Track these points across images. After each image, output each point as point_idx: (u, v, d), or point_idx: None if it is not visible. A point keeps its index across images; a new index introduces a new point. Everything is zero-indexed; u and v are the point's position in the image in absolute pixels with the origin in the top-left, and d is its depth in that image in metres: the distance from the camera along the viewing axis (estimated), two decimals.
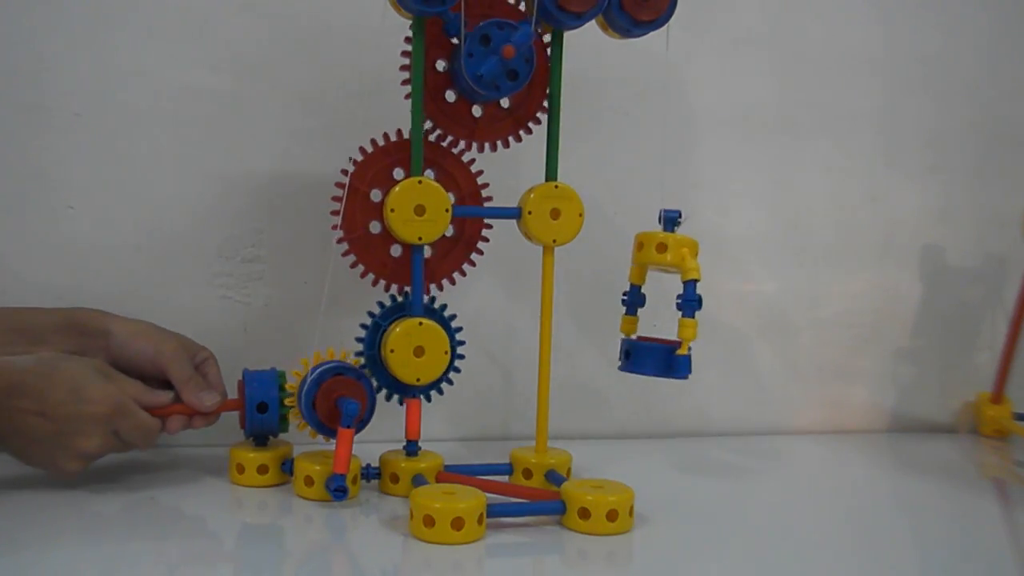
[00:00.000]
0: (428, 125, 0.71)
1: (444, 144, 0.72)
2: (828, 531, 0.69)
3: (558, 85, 0.71)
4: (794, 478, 0.84)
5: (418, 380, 0.70)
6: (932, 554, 0.66)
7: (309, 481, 0.68)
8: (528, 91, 0.71)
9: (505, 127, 0.71)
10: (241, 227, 0.83)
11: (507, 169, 0.75)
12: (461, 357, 0.74)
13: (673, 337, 0.68)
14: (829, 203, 0.97)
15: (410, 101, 0.69)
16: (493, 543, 0.61)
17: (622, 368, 0.70)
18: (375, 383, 0.71)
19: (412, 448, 0.71)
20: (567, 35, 0.70)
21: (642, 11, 0.67)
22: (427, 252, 0.73)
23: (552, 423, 0.74)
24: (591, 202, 0.72)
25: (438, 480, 0.70)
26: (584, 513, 0.63)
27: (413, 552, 0.59)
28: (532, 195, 0.70)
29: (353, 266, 0.71)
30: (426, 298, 0.72)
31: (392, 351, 0.69)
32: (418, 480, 0.68)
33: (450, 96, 0.71)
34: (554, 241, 0.71)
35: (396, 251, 0.72)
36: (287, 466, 0.71)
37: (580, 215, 0.71)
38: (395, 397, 0.73)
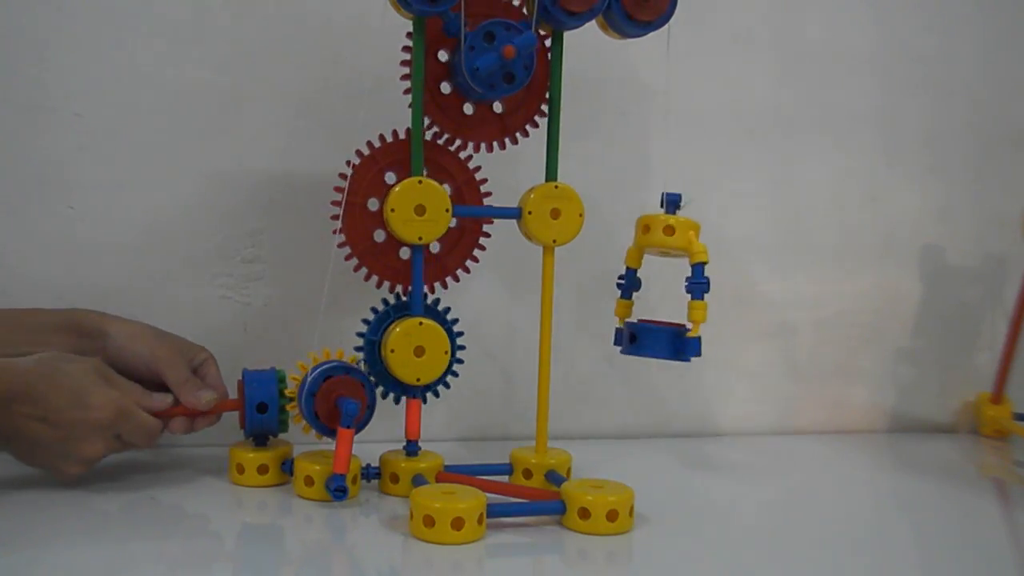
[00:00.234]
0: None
1: (436, 140, 0.71)
2: (828, 531, 0.69)
3: (558, 85, 0.71)
4: (794, 478, 0.84)
5: (418, 380, 0.70)
6: (932, 554, 0.66)
7: (309, 481, 0.68)
8: (523, 101, 0.71)
9: (493, 131, 0.71)
10: (241, 227, 0.83)
11: (507, 169, 0.75)
12: (461, 357, 0.74)
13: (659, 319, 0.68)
14: (829, 203, 0.97)
15: (410, 101, 0.69)
16: (493, 543, 0.61)
17: (626, 352, 0.69)
18: (373, 380, 0.71)
19: (412, 448, 0.71)
20: (567, 35, 0.70)
21: (642, 11, 0.67)
22: (435, 247, 0.73)
23: (552, 423, 0.74)
24: (591, 202, 0.72)
25: (438, 480, 0.70)
26: (584, 513, 0.63)
27: (413, 552, 0.59)
28: (532, 195, 0.70)
29: (367, 278, 0.71)
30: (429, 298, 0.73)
31: (392, 351, 0.69)
32: (418, 480, 0.68)
33: (445, 88, 0.70)
34: (554, 241, 0.71)
35: (405, 254, 0.71)
36: (287, 466, 0.71)
37: (580, 215, 0.71)
38: (387, 394, 0.73)
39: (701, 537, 0.65)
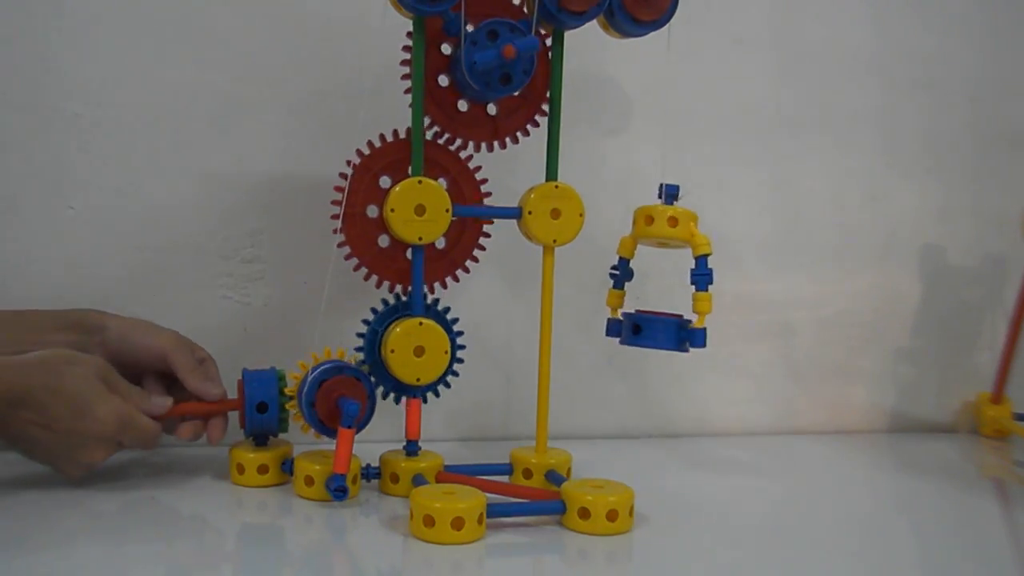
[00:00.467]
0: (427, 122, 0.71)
1: (433, 137, 0.72)
2: (828, 531, 0.69)
3: (558, 85, 0.71)
4: (794, 478, 0.84)
5: (418, 380, 0.70)
6: (932, 554, 0.66)
7: (309, 481, 0.68)
8: (517, 107, 0.71)
9: (483, 132, 0.71)
10: (241, 227, 0.83)
11: (507, 169, 0.75)
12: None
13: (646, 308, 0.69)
14: (829, 203, 0.97)
15: (410, 100, 0.69)
16: (493, 543, 0.61)
17: (628, 342, 0.69)
18: (374, 380, 0.71)
19: (412, 448, 0.71)
20: (567, 35, 0.70)
21: (643, 11, 0.67)
22: (440, 243, 0.73)
23: (552, 423, 0.74)
24: (591, 202, 0.72)
25: (438, 480, 0.70)
26: (584, 513, 0.63)
27: (413, 552, 0.59)
28: (532, 195, 0.70)
29: (378, 285, 0.71)
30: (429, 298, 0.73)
31: (392, 351, 0.69)
32: (418, 480, 0.68)
33: (443, 80, 0.70)
34: (554, 241, 0.71)
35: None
36: (287, 466, 0.71)
37: (580, 215, 0.71)
38: (387, 394, 0.73)
39: (701, 537, 0.65)
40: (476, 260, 0.74)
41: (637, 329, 0.68)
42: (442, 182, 0.70)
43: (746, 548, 0.64)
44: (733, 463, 0.86)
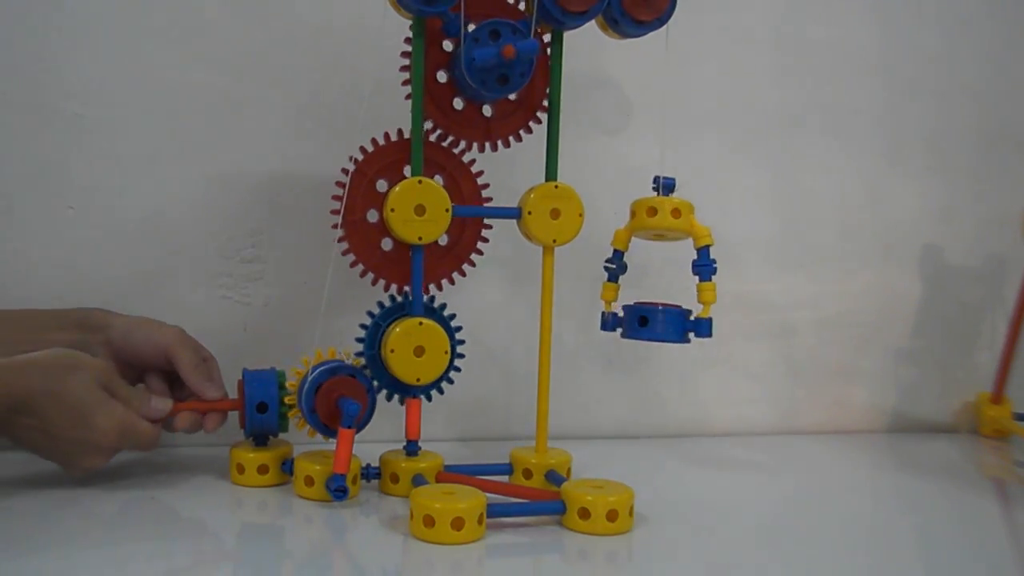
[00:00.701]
0: (428, 125, 0.71)
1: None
2: (829, 531, 0.69)
3: (558, 85, 0.71)
4: (794, 478, 0.84)
5: (418, 380, 0.70)
6: (933, 554, 0.66)
7: (309, 481, 0.68)
8: (513, 111, 0.71)
9: (476, 132, 0.71)
10: (241, 227, 0.83)
11: (507, 169, 0.75)
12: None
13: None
14: (830, 203, 0.97)
15: (410, 101, 0.69)
16: (493, 543, 0.61)
17: (634, 336, 0.69)
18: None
19: (412, 448, 0.71)
20: (567, 35, 0.70)
21: (642, 11, 0.67)
22: (444, 240, 0.73)
23: (552, 423, 0.74)
24: (591, 202, 0.72)
25: (438, 480, 0.70)
26: (584, 513, 0.63)
27: (413, 552, 0.59)
28: (532, 195, 0.70)
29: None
30: (425, 298, 0.72)
31: (392, 351, 0.69)
32: (418, 480, 0.68)
33: (441, 76, 0.70)
34: (554, 241, 0.71)
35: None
36: (287, 466, 0.71)
37: (580, 215, 0.71)
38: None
39: (701, 537, 0.65)
40: (473, 264, 0.74)
41: (644, 321, 0.68)
42: (438, 179, 0.70)
43: (746, 548, 0.64)
44: (733, 463, 0.86)
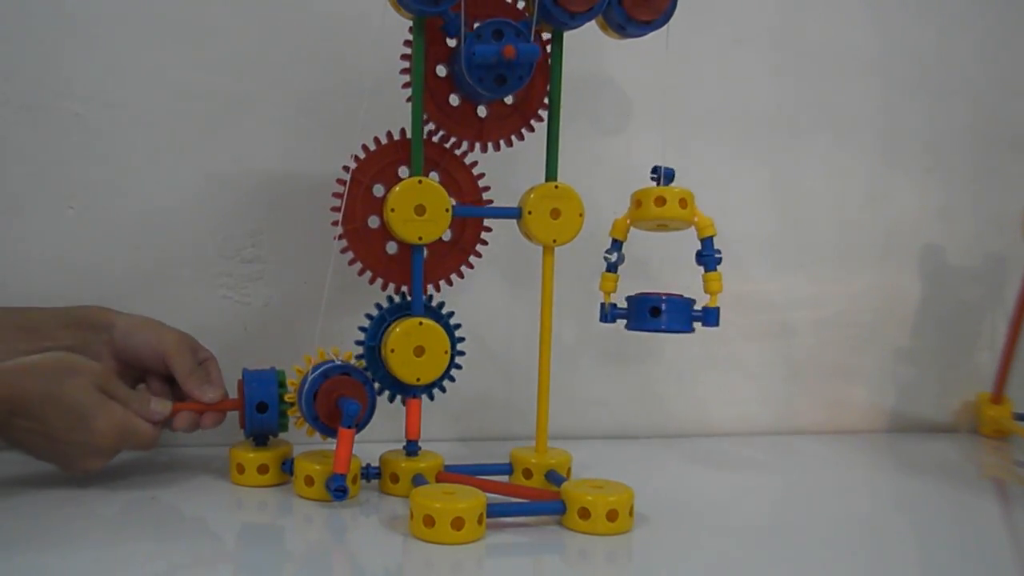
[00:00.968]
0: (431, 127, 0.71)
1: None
2: (828, 531, 0.69)
3: (558, 85, 0.71)
4: (794, 478, 0.84)
5: (418, 380, 0.70)
6: (932, 554, 0.66)
7: (309, 481, 0.68)
8: (507, 115, 0.71)
9: (468, 131, 0.71)
10: (241, 227, 0.83)
11: (507, 169, 0.75)
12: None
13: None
14: (829, 203, 0.97)
15: (410, 101, 0.69)
16: (493, 543, 0.61)
17: (643, 327, 0.68)
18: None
19: (412, 448, 0.71)
20: (567, 35, 0.70)
21: (642, 11, 0.67)
22: (447, 235, 0.73)
23: (552, 423, 0.74)
24: (591, 202, 0.72)
25: (438, 480, 0.70)
26: (584, 513, 0.63)
27: (413, 552, 0.59)
28: (532, 195, 0.70)
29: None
30: (425, 298, 0.73)
31: (392, 351, 0.69)
32: (418, 480, 0.68)
33: (440, 71, 0.70)
34: (554, 241, 0.71)
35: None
36: (287, 466, 0.71)
37: (580, 215, 0.71)
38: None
39: (701, 537, 0.65)
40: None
41: (656, 312, 0.68)
42: (433, 175, 0.70)
43: (746, 548, 0.64)
44: (733, 463, 0.86)
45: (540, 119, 0.72)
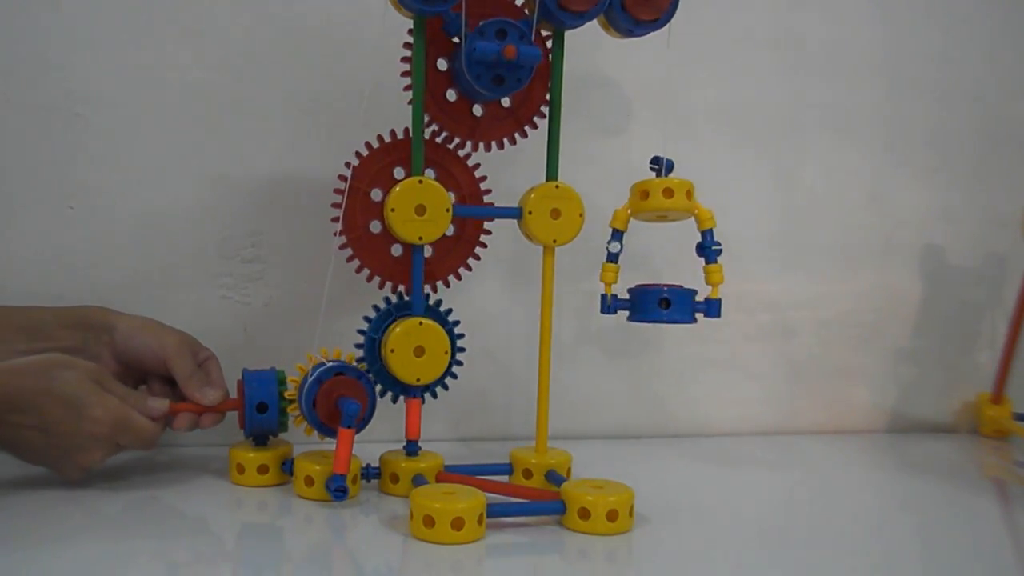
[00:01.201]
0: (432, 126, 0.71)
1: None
2: (828, 531, 0.69)
3: (558, 85, 0.71)
4: (795, 478, 0.84)
5: (418, 380, 0.70)
6: (932, 554, 0.66)
7: (309, 481, 0.68)
8: (502, 119, 0.71)
9: (462, 129, 0.71)
10: (241, 227, 0.83)
11: (507, 169, 0.75)
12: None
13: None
14: (830, 203, 0.97)
15: (410, 101, 0.69)
16: (493, 543, 0.61)
17: (650, 318, 0.68)
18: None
19: (412, 448, 0.71)
20: (567, 35, 0.70)
21: (643, 11, 0.67)
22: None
23: (552, 423, 0.74)
24: (591, 202, 0.72)
25: (438, 480, 0.70)
26: (584, 513, 0.63)
27: (413, 552, 0.59)
28: (532, 195, 0.70)
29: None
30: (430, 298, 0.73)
31: (392, 351, 0.69)
32: (418, 480, 0.68)
33: (441, 64, 0.70)
34: (554, 241, 0.71)
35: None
36: (287, 466, 0.71)
37: (580, 215, 0.71)
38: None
39: (701, 537, 0.65)
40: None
41: (666, 303, 0.68)
42: (429, 172, 0.70)
43: (746, 548, 0.64)
44: (733, 463, 0.86)
45: (535, 126, 0.72)
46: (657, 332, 0.92)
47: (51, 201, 0.79)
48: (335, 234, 0.70)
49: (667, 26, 0.68)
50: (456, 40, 0.69)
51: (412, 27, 0.68)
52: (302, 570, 0.57)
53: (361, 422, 0.68)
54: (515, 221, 0.72)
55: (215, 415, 0.72)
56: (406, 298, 0.72)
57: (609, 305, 0.70)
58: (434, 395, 0.74)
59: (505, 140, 0.72)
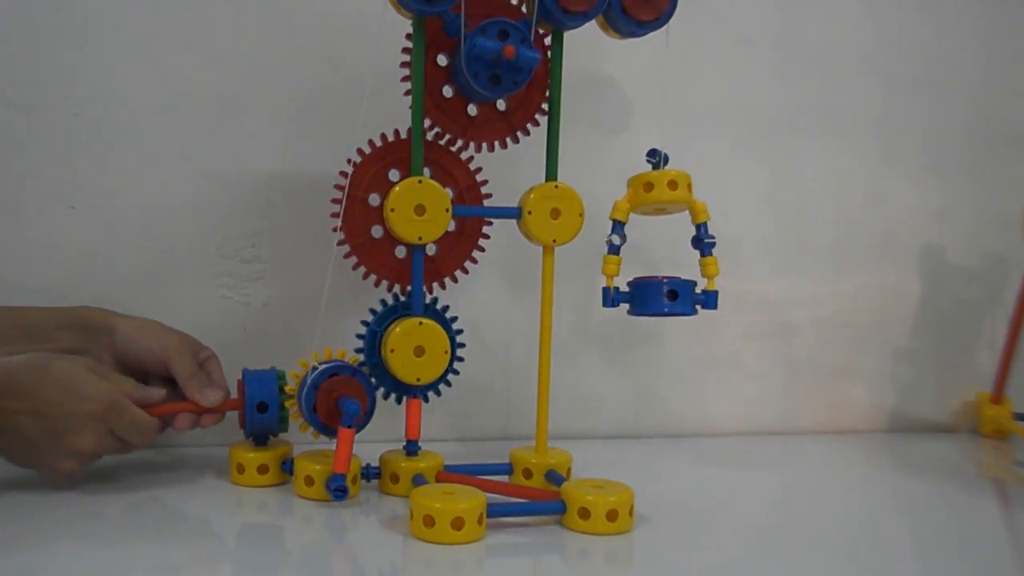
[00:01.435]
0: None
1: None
2: (828, 531, 0.69)
3: (558, 85, 0.71)
4: (794, 478, 0.84)
5: (418, 380, 0.70)
6: (932, 554, 0.66)
7: (309, 481, 0.68)
8: (496, 121, 0.71)
9: (456, 127, 0.71)
10: (241, 227, 0.83)
11: (507, 169, 0.75)
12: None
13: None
14: (829, 203, 0.97)
15: (410, 101, 0.69)
16: (493, 543, 0.61)
17: (653, 311, 0.68)
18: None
19: (412, 448, 0.71)
20: (567, 35, 0.70)
21: (642, 11, 0.67)
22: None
23: (552, 423, 0.74)
24: (591, 202, 0.72)
25: (438, 480, 0.70)
26: (584, 513, 0.63)
27: (413, 552, 0.59)
28: (532, 195, 0.70)
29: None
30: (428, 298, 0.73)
31: (392, 351, 0.69)
32: (418, 480, 0.68)
33: (441, 60, 0.70)
34: (554, 241, 0.71)
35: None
36: (287, 466, 0.71)
37: (580, 215, 0.71)
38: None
39: (701, 537, 0.65)
40: (475, 261, 0.74)
41: (674, 295, 0.68)
42: (425, 171, 0.70)
43: (746, 548, 0.64)
44: (733, 463, 0.86)
45: (527, 133, 0.72)
46: (657, 332, 0.92)
47: (51, 201, 0.79)
48: (337, 244, 0.70)
49: (666, 26, 0.68)
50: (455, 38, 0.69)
51: (412, 27, 0.68)
52: (302, 570, 0.57)
53: (361, 422, 0.68)
54: (515, 221, 0.72)
55: (215, 414, 0.72)
56: (394, 301, 0.72)
57: (612, 298, 0.69)
58: (437, 394, 0.74)
59: (496, 143, 0.72)
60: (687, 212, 0.70)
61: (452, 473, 0.71)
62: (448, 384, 0.74)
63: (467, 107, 0.71)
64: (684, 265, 0.72)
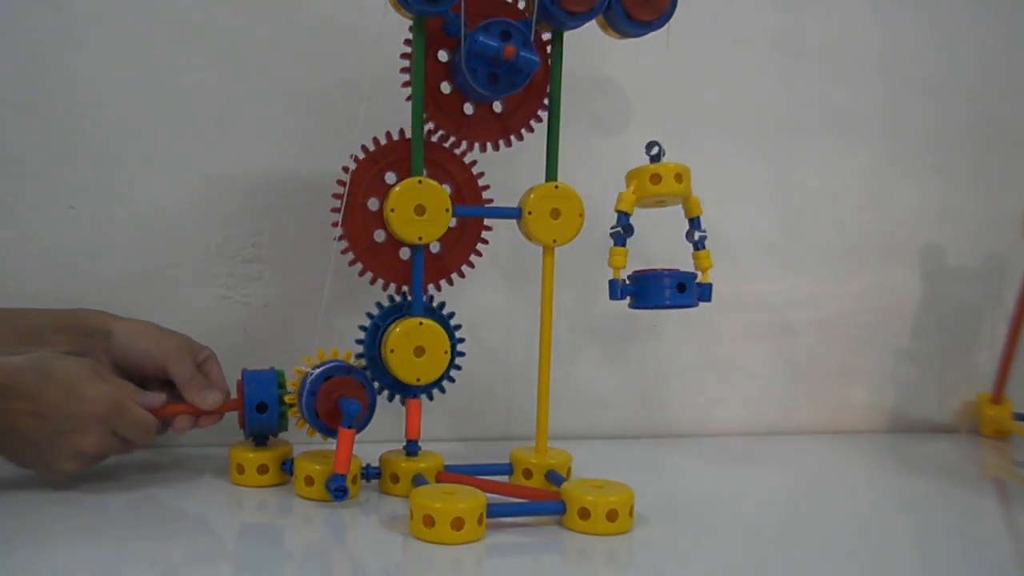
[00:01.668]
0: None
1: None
2: (828, 531, 0.69)
3: (558, 85, 0.71)
4: (794, 478, 0.84)
5: (418, 380, 0.70)
6: (932, 554, 0.66)
7: (309, 481, 0.68)
8: (491, 123, 0.71)
9: (451, 125, 0.71)
10: (240, 227, 0.83)
11: (507, 169, 0.75)
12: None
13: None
14: (829, 203, 0.97)
15: (410, 101, 0.69)
16: (493, 543, 0.61)
17: (657, 304, 0.68)
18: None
19: (412, 448, 0.71)
20: (567, 35, 0.70)
21: (642, 11, 0.67)
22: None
23: (552, 423, 0.74)
24: (591, 202, 0.72)
25: (438, 480, 0.70)
26: (584, 513, 0.63)
27: (413, 552, 0.59)
28: (532, 195, 0.70)
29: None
30: (426, 298, 0.73)
31: (392, 351, 0.69)
32: (418, 480, 0.68)
33: (442, 56, 0.70)
34: (554, 241, 0.71)
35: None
36: (287, 466, 0.71)
37: (580, 215, 0.71)
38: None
39: (701, 537, 0.65)
40: (479, 254, 0.74)
41: (683, 288, 0.68)
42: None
43: (746, 548, 0.64)
44: (733, 463, 0.86)
45: (520, 137, 0.72)
46: (657, 332, 0.92)
47: (51, 201, 0.79)
48: (341, 252, 0.70)
49: (666, 26, 0.68)
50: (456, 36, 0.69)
51: (412, 27, 0.68)
52: (302, 570, 0.57)
53: (361, 422, 0.68)
54: (515, 221, 0.72)
55: (213, 415, 0.72)
56: (404, 297, 0.72)
57: (621, 290, 0.69)
58: (438, 393, 0.74)
59: (490, 145, 0.72)
60: (678, 207, 0.70)
61: (452, 473, 0.71)
62: (448, 384, 0.74)
63: (463, 105, 0.71)
64: (678, 260, 0.72)
